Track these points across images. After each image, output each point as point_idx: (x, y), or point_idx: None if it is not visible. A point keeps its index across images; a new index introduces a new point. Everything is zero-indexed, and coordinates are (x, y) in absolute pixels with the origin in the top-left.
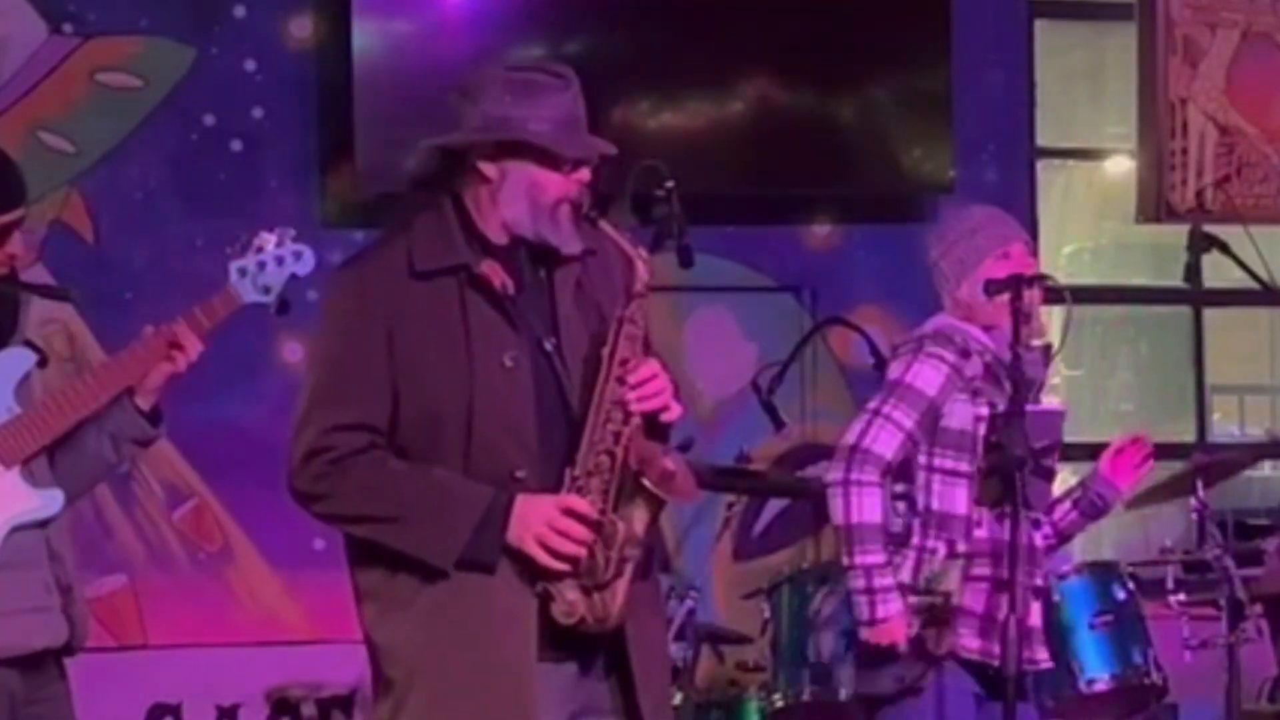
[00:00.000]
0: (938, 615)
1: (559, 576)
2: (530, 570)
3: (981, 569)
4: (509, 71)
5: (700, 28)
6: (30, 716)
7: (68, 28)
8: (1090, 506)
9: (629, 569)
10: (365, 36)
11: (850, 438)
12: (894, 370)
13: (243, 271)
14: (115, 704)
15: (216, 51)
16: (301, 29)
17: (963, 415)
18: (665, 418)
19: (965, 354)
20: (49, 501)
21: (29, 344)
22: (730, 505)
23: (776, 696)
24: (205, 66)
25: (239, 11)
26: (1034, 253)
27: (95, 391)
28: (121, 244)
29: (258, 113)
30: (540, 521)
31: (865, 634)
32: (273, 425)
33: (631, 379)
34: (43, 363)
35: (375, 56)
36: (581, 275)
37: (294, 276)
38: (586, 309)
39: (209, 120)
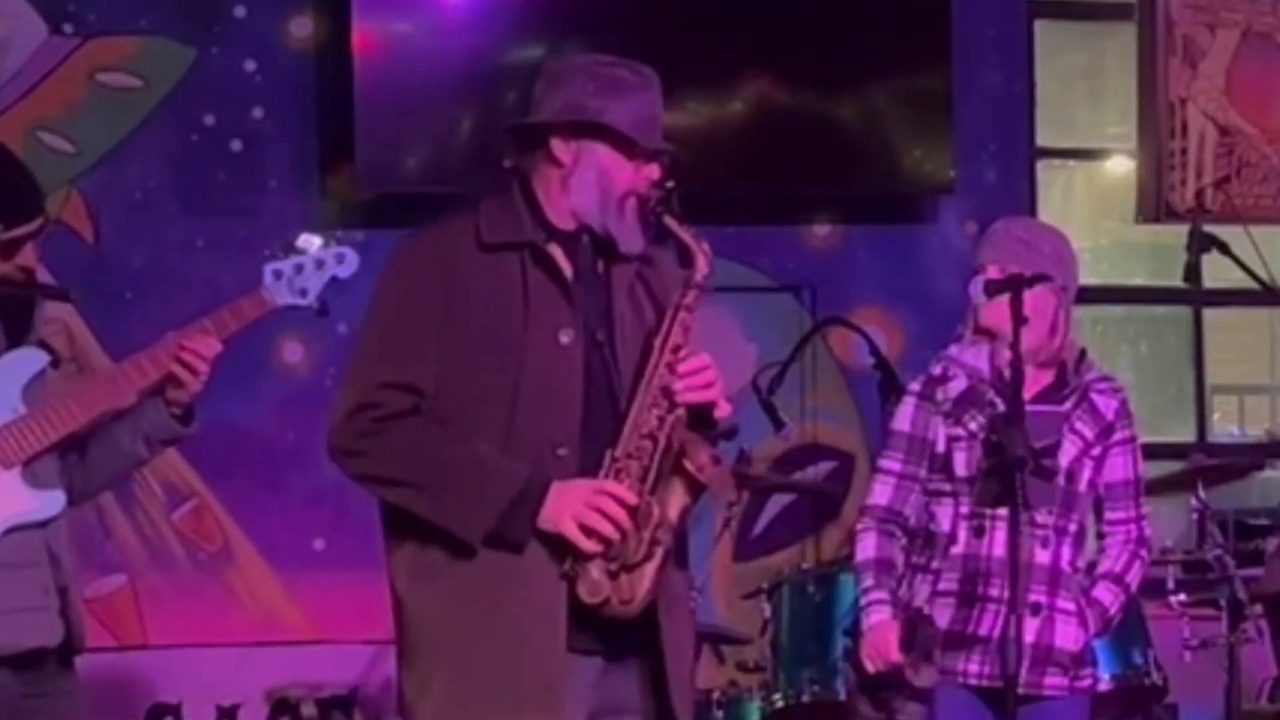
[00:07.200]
0: (913, 633)
1: (588, 556)
2: (560, 551)
3: (948, 583)
4: (594, 64)
5: (700, 28)
6: (29, 711)
7: (68, 28)
8: None
9: (659, 553)
10: (365, 36)
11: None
12: None
13: (278, 274)
14: (115, 704)
15: (216, 51)
16: (301, 29)
17: (940, 437)
18: (718, 414)
19: (943, 379)
20: (48, 503)
21: (43, 344)
22: (730, 505)
23: (776, 696)
24: (205, 66)
25: (239, 11)
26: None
27: (108, 394)
28: (121, 244)
29: (258, 113)
30: (578, 500)
31: (862, 647)
32: (273, 425)
33: (682, 368)
34: (55, 363)
35: (375, 56)
36: (637, 279)
37: (335, 279)
38: (640, 310)
39: (209, 120)
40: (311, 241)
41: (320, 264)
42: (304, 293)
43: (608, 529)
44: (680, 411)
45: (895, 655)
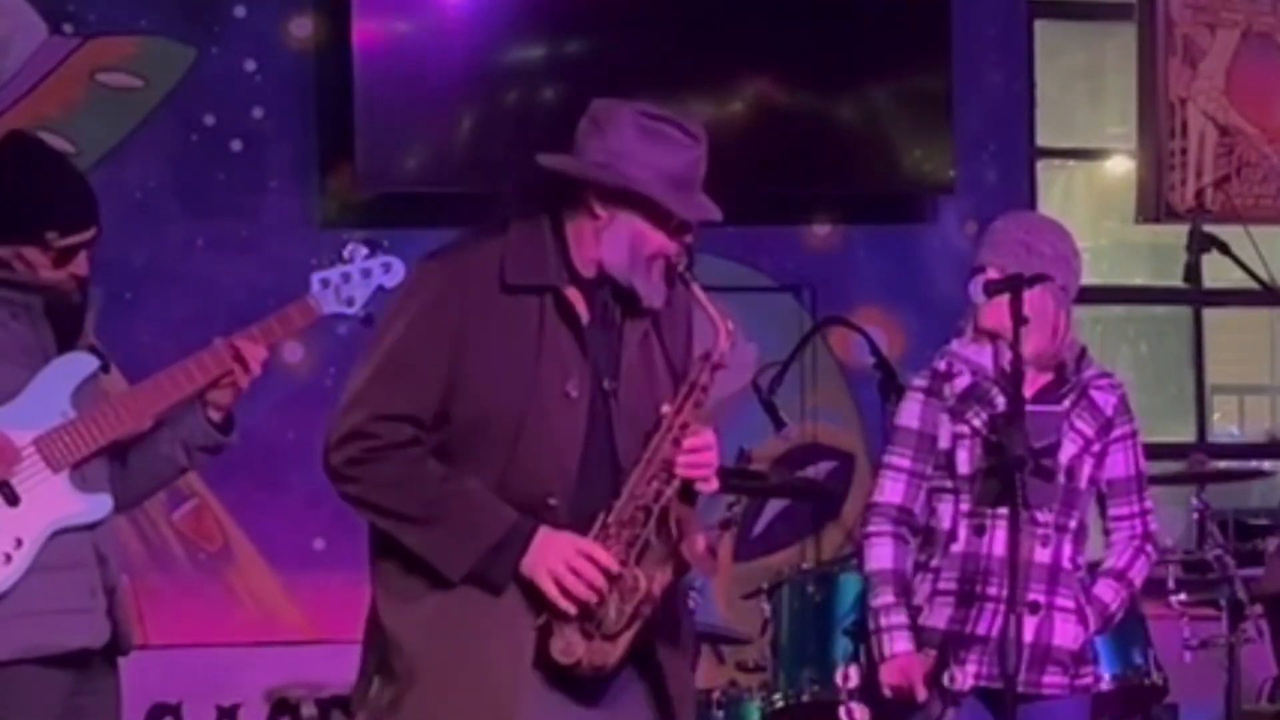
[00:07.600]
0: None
1: (564, 616)
2: (537, 603)
3: (948, 582)
4: (642, 115)
5: (700, 28)
6: (74, 709)
7: (68, 28)
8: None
9: (638, 625)
10: (365, 36)
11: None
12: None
13: (325, 283)
14: None
15: (216, 51)
16: (301, 29)
17: (944, 434)
18: (701, 488)
19: (947, 375)
20: (96, 506)
21: (92, 349)
22: (730, 505)
23: (776, 696)
24: (205, 66)
25: (239, 11)
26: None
27: (155, 400)
28: (121, 244)
29: (258, 113)
30: (558, 557)
31: (882, 673)
32: (273, 426)
33: (685, 443)
34: (105, 368)
35: (375, 56)
36: (651, 327)
37: (381, 288)
38: (650, 360)
39: (209, 120)
40: (359, 251)
41: (367, 273)
42: (350, 302)
43: (582, 592)
44: (677, 484)
45: (921, 691)
